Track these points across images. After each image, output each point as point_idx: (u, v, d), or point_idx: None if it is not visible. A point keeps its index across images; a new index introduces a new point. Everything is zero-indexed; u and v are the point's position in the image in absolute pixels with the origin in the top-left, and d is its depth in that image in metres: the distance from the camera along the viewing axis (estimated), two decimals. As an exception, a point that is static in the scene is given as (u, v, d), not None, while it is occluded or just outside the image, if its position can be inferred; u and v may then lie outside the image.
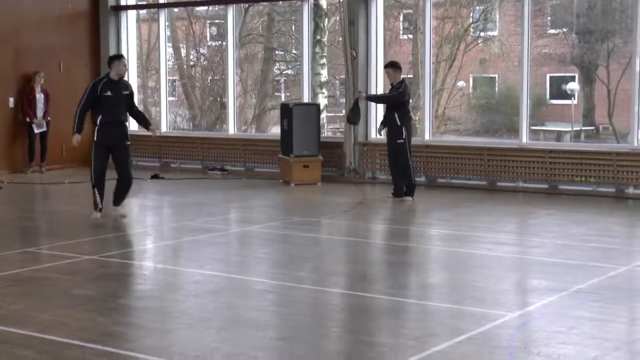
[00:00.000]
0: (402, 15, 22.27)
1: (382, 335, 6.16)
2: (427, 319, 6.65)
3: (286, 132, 14.68)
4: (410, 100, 12.86)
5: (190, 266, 8.47)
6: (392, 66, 12.87)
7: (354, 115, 13.70)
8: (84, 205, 12.82)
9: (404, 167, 12.67)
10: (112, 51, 17.88)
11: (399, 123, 12.58)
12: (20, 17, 16.63)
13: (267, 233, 10.43)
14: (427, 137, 14.87)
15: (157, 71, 18.81)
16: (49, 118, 16.54)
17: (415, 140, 13.57)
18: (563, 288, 7.27)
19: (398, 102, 12.55)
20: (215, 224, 10.83)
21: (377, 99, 13.98)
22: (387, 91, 13.51)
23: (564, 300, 6.89)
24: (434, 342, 5.83)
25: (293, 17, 21.65)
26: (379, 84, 15.07)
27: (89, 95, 10.86)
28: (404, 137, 12.56)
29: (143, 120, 11.39)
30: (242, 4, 19.80)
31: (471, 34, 21.65)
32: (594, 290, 7.22)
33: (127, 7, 18.07)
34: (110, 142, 10.89)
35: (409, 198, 12.62)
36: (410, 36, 21.82)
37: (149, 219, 12.19)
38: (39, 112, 16.42)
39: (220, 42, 22.45)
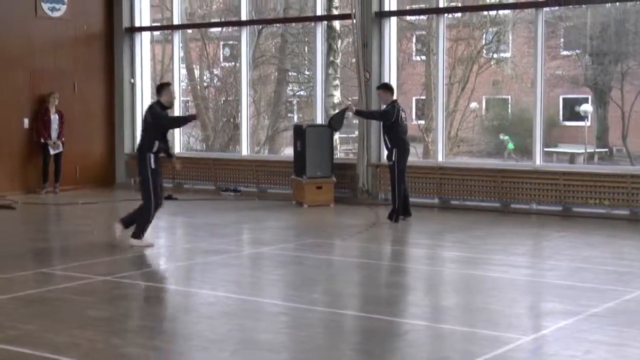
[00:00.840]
0: (415, 36, 22.33)
1: (396, 358, 6.13)
2: (441, 342, 6.63)
3: (299, 154, 14.70)
4: (405, 123, 12.76)
5: (203, 288, 8.47)
6: (382, 88, 13.11)
7: (336, 122, 13.49)
8: (98, 226, 12.87)
9: (391, 189, 12.70)
10: (127, 72, 18.01)
11: (389, 145, 12.63)
12: (35, 39, 16.74)
13: (280, 255, 10.42)
14: (440, 158, 14.87)
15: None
16: (63, 139, 16.62)
17: (428, 161, 13.58)
18: (578, 311, 7.23)
19: (381, 120, 12.78)
20: (228, 246, 10.83)
21: (362, 113, 13.91)
22: None
23: (579, 324, 6.86)
24: (448, 366, 5.81)
25: (306, 39, 21.74)
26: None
27: (165, 118, 10.69)
28: (393, 159, 12.57)
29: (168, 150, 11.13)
30: (255, 26, 19.91)
31: (484, 55, 21.70)
32: (609, 314, 7.18)
33: (142, 29, 18.17)
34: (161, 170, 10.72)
35: (388, 221, 12.63)
36: (423, 57, 21.86)
37: (162, 240, 12.18)
38: (54, 133, 16.50)
39: (233, 63, 22.56)
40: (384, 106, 12.88)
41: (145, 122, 10.67)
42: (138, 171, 10.67)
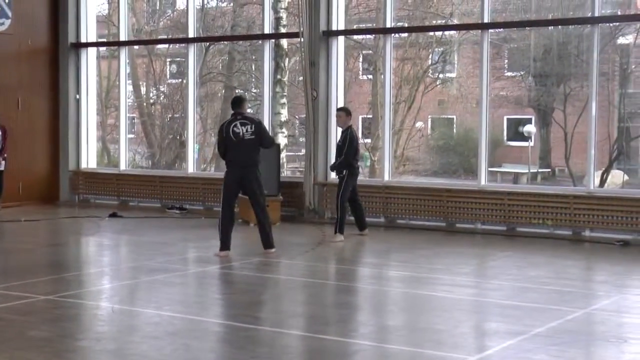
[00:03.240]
0: (362, 55, 22.44)
1: (342, 379, 6.13)
2: (387, 362, 6.64)
3: (246, 172, 14.63)
4: (357, 147, 12.96)
5: (148, 307, 8.38)
6: (344, 111, 13.20)
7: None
8: (40, 244, 12.70)
9: (336, 203, 12.90)
10: (72, 88, 17.84)
11: (343, 166, 12.85)
12: (-22, 53, 16.53)
13: (226, 274, 10.37)
14: (386, 177, 14.94)
15: (117, 108, 18.76)
16: (5, 155, 16.37)
17: (374, 180, 13.65)
18: (522, 331, 7.30)
19: (352, 151, 12.78)
20: (173, 264, 10.75)
21: (339, 165, 13.70)
22: (338, 136, 13.71)
23: (523, 344, 6.92)
24: (394, 386, 5.81)
25: (254, 57, 21.74)
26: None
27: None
28: (343, 173, 12.79)
29: None
30: (203, 43, 19.86)
31: (430, 75, 21.87)
32: (552, 334, 7.26)
33: (87, 45, 18.02)
34: None
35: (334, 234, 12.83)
36: (370, 77, 21.97)
37: (106, 258, 12.06)
38: (-4, 149, 16.26)
39: (180, 80, 22.46)
40: (340, 128, 13.19)
41: (265, 139, 11.45)
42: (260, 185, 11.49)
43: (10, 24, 17.00)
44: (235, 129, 11.19)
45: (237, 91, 22.79)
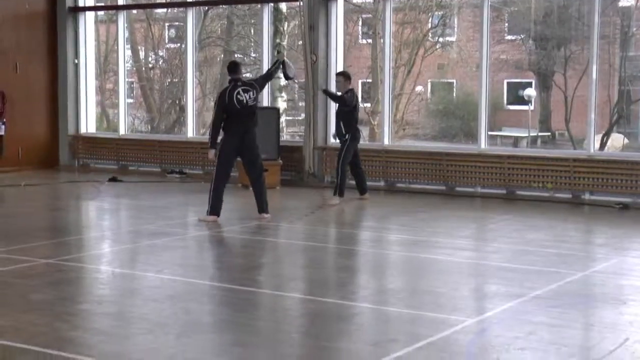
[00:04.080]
0: (361, 19, 22.32)
1: (342, 340, 6.15)
2: (387, 324, 6.67)
3: (245, 136, 14.60)
4: (357, 111, 13.02)
5: (148, 270, 8.41)
6: (343, 75, 13.20)
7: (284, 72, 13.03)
8: (40, 208, 12.72)
9: (336, 167, 12.94)
10: (70, 52, 17.73)
11: (343, 131, 12.86)
12: (-25, 17, 16.44)
13: (226, 237, 10.39)
14: (386, 141, 14.92)
15: (115, 73, 18.69)
16: (4, 120, 16.34)
17: (374, 145, 13.64)
18: (521, 294, 7.33)
19: (339, 104, 12.85)
20: (173, 228, 10.77)
21: (328, 94, 13.79)
22: None
23: (523, 306, 6.94)
24: (394, 348, 5.84)
25: (252, 21, 21.62)
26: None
27: None
28: (346, 138, 12.81)
29: None
30: (201, 7, 19.74)
31: (430, 39, 21.76)
32: (552, 296, 7.28)
33: (85, 9, 17.91)
34: None
35: (333, 196, 12.92)
36: (370, 41, 21.87)
37: (107, 222, 12.08)
38: (-5, 113, 16.23)
39: (179, 45, 22.33)
40: (339, 93, 13.11)
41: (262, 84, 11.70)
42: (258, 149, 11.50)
43: (7, -13, 16.89)
44: (238, 96, 11.06)
45: (236, 56, 22.71)
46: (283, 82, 18.58)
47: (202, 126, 20.13)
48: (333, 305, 7.11)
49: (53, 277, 8.01)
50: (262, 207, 11.34)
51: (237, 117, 11.08)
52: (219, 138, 11.22)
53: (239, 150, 11.25)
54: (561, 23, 20.15)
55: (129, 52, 21.47)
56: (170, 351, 5.75)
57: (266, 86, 13.93)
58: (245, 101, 11.07)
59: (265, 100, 15.94)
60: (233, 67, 11.39)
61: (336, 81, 13.48)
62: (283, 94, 18.55)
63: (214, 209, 11.12)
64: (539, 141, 21.15)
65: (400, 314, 6.84)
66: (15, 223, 11.29)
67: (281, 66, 11.85)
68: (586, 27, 15.63)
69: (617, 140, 18.78)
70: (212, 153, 11.36)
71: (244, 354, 5.79)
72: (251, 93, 11.14)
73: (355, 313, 6.90)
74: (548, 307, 6.92)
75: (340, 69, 14.87)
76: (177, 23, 23.25)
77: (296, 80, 13.54)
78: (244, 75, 12.16)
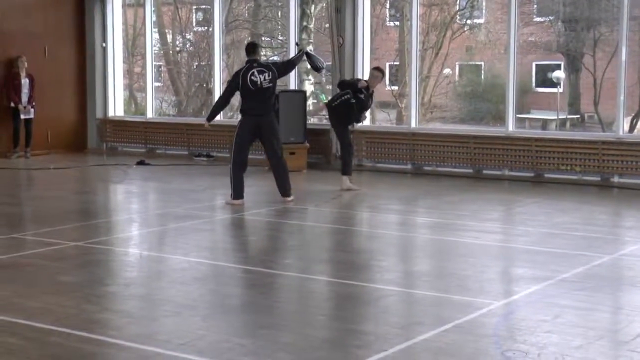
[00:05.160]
0: (388, 2, 22.22)
1: (368, 323, 6.17)
2: (413, 307, 6.67)
3: (272, 119, 14.63)
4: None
5: (175, 253, 8.46)
6: (382, 73, 12.67)
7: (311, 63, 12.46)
8: (69, 192, 12.82)
9: (345, 148, 12.71)
10: (98, 36, 17.81)
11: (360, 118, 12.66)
12: (4, 1, 16.52)
13: (253, 220, 10.42)
14: (413, 124, 14.88)
15: (143, 57, 18.75)
16: (34, 103, 16.46)
17: (401, 127, 13.56)
18: (548, 277, 7.30)
19: (364, 106, 12.43)
20: (201, 211, 10.81)
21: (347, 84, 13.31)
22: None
23: (549, 289, 6.92)
24: (420, 331, 5.84)
25: (279, 3, 21.58)
26: (365, 70, 15.04)
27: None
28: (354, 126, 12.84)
29: None
30: (228, -10, 19.74)
31: (457, 21, 21.63)
32: (578, 279, 7.25)
33: (113, -8, 17.98)
34: None
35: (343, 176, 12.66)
36: (397, 23, 21.77)
37: (134, 205, 12.16)
38: (24, 97, 16.35)
39: (206, 28, 22.35)
40: (370, 89, 12.40)
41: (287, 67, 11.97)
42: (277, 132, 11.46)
43: (35, -28, 16.98)
44: (252, 77, 10.98)
45: (262, 39, 22.70)
46: (309, 65, 18.56)
47: (230, 109, 20.17)
48: (359, 288, 7.12)
49: (81, 259, 8.08)
50: (283, 191, 11.32)
51: (252, 99, 11.03)
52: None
53: (256, 134, 11.19)
54: (590, 4, 19.95)
55: (156, 36, 21.51)
56: (196, 333, 5.78)
57: (292, 72, 13.89)
58: (259, 82, 10.99)
59: (292, 83, 15.94)
60: (250, 48, 11.32)
61: (374, 77, 12.52)
62: (310, 77, 18.53)
63: (237, 193, 11.14)
64: (567, 124, 21.00)
65: (426, 297, 6.83)
66: (44, 206, 11.39)
67: (305, 57, 11.80)
68: (616, 9, 15.46)
69: (646, 122, 18.58)
70: (206, 123, 11.71)
71: (270, 336, 5.82)
72: (267, 74, 11.04)
73: (382, 296, 6.90)
74: (575, 290, 6.89)
75: (367, 51, 14.81)
76: (204, 6, 23.26)
77: (324, 70, 13.23)
78: (262, 57, 12.10)
